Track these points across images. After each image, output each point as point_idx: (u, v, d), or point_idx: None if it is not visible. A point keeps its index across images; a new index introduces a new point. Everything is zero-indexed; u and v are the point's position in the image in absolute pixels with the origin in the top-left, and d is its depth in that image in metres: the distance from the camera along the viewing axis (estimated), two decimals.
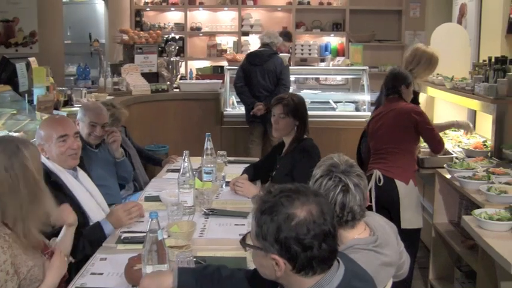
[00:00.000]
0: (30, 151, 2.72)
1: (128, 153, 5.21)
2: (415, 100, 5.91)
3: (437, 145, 5.01)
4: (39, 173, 2.73)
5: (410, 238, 4.03)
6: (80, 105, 5.14)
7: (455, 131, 6.22)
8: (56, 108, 5.64)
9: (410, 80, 5.19)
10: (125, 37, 8.29)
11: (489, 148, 5.29)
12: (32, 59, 5.89)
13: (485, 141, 5.62)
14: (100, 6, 10.17)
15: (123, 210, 3.54)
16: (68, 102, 6.16)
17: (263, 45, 7.58)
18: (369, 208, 2.90)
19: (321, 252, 1.94)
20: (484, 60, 5.67)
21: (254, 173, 4.61)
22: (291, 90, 8.25)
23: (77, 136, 3.79)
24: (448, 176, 4.68)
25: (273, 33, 7.77)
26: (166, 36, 10.57)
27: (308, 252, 1.93)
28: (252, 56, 7.57)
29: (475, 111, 6.37)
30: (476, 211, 3.52)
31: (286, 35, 9.38)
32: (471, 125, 5.78)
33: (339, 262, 2.08)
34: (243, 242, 2.15)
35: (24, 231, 2.61)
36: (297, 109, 4.29)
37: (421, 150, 5.54)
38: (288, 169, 4.28)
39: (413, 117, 4.89)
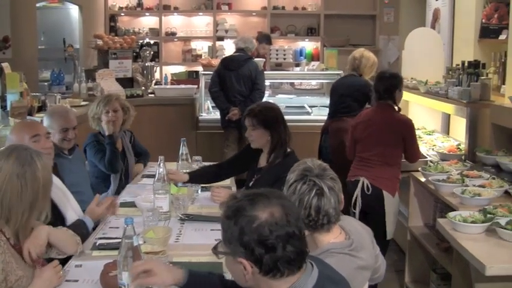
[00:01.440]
0: (43, 162, 2.77)
1: (126, 160, 5.17)
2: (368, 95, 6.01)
3: (416, 156, 4.93)
4: (44, 184, 2.77)
5: (385, 247, 4.05)
6: (45, 113, 5.07)
7: (430, 133, 6.30)
8: (30, 114, 5.60)
9: (402, 83, 5.05)
10: (99, 42, 8.25)
11: (463, 151, 5.34)
12: (5, 65, 5.83)
13: (459, 144, 5.68)
14: (74, 11, 10.11)
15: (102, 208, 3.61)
16: (42, 108, 6.10)
17: (238, 50, 7.58)
18: (348, 213, 2.90)
19: (286, 254, 1.95)
20: (458, 65, 5.72)
21: (216, 173, 4.60)
22: (266, 95, 8.27)
23: (48, 136, 3.79)
24: (423, 180, 4.72)
25: (248, 38, 7.78)
26: (141, 41, 10.55)
27: (272, 253, 1.94)
28: (227, 61, 7.56)
29: (449, 114, 6.43)
30: (451, 214, 3.55)
31: (266, 38, 9.40)
32: None
33: (312, 266, 2.09)
34: (214, 250, 2.15)
35: (25, 238, 2.69)
36: (266, 119, 4.18)
37: None
38: (270, 183, 4.13)
39: (405, 130, 4.83)
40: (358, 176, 4.85)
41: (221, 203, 3.87)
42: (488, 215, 3.43)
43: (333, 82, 6.88)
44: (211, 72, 7.89)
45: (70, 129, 4.42)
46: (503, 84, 5.53)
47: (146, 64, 8.56)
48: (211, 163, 4.79)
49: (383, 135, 4.83)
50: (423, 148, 5.85)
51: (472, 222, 3.39)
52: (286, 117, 4.35)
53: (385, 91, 4.89)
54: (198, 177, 4.49)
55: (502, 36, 5.75)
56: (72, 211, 3.66)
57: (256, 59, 7.82)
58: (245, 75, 7.41)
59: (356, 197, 4.75)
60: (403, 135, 4.81)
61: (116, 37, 8.88)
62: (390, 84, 4.90)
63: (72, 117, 4.49)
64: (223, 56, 7.57)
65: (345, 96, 6.29)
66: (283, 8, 10.97)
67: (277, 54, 10.83)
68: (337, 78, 7.96)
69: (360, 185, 4.78)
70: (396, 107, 4.95)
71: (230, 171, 4.69)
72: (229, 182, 4.76)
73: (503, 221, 3.31)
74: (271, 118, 4.19)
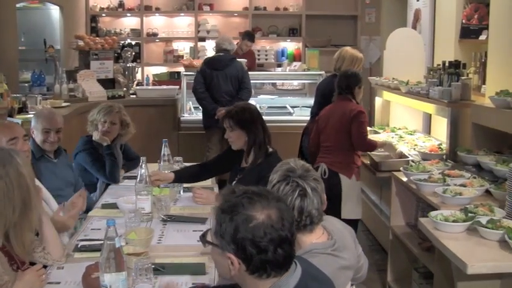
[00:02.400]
0: (22, 158, 2.75)
1: None
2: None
3: (360, 143, 5.32)
4: (31, 178, 2.76)
5: (354, 229, 4.09)
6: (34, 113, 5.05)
7: (411, 133, 6.33)
8: (10, 116, 5.55)
9: (362, 82, 5.52)
10: (81, 43, 8.22)
11: (444, 151, 5.37)
12: None
13: (441, 144, 5.71)
14: (55, 12, 10.05)
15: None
16: (22, 109, 6.06)
17: (222, 50, 7.54)
18: None
19: (276, 257, 1.96)
20: (438, 65, 5.75)
21: (200, 173, 4.60)
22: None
23: (25, 139, 3.76)
24: (405, 179, 4.73)
25: (229, 38, 7.78)
26: (122, 42, 10.52)
27: (263, 255, 1.95)
28: (213, 61, 7.51)
29: (430, 114, 6.46)
30: (433, 213, 3.57)
31: (248, 35, 9.41)
32: (393, 146, 5.83)
33: (296, 264, 2.10)
34: (202, 238, 2.16)
35: (17, 237, 2.65)
36: (242, 120, 4.22)
37: (377, 154, 5.62)
38: (254, 182, 4.14)
39: (353, 116, 5.25)
40: (319, 163, 5.34)
41: (217, 194, 3.94)
42: (470, 214, 3.45)
43: (317, 83, 6.89)
44: (193, 73, 7.87)
45: (52, 131, 4.38)
46: (484, 84, 5.56)
47: (128, 65, 8.54)
48: (193, 163, 4.78)
49: (339, 123, 5.32)
50: (405, 148, 5.88)
51: (454, 221, 3.41)
52: (268, 117, 4.38)
53: (347, 87, 5.41)
54: (183, 177, 4.49)
55: (482, 37, 5.79)
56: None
57: (239, 59, 7.83)
58: (232, 75, 7.42)
59: None
60: (351, 120, 5.25)
61: (97, 38, 8.85)
62: (351, 81, 5.42)
63: (56, 120, 4.45)
64: (206, 57, 7.53)
65: (326, 97, 6.32)
66: (264, 8, 10.98)
67: (259, 55, 10.84)
68: (318, 79, 8.02)
69: (319, 170, 5.15)
70: (355, 101, 5.43)
71: (214, 171, 4.71)
72: (210, 182, 4.75)
73: (484, 220, 3.33)
74: (247, 119, 4.23)
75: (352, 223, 4.96)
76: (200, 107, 7.70)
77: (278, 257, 1.97)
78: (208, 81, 7.38)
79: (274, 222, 1.97)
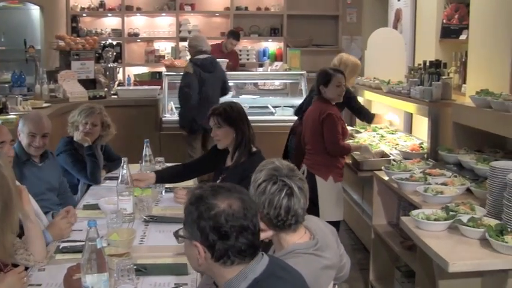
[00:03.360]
0: (3, 160, 2.74)
1: None
2: (350, 104, 6.05)
3: (332, 148, 5.26)
4: (13, 180, 2.74)
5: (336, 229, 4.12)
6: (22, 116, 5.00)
7: (393, 132, 6.35)
8: None
9: (329, 77, 5.31)
10: (61, 43, 8.18)
11: (425, 150, 5.40)
12: None
13: (422, 143, 5.74)
14: (35, 12, 9.96)
15: (66, 222, 3.51)
16: (2, 110, 6.02)
17: (202, 52, 7.47)
18: None
19: (237, 244, 2.07)
20: (419, 64, 5.78)
21: (183, 173, 4.58)
22: (229, 96, 8.26)
23: (12, 144, 3.73)
24: (386, 178, 4.75)
25: (204, 38, 7.74)
26: (103, 42, 10.46)
27: (224, 241, 2.06)
28: (205, 64, 7.42)
29: (411, 114, 6.49)
30: (414, 212, 3.58)
31: (234, 34, 9.40)
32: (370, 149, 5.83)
33: (262, 254, 2.18)
34: (175, 233, 2.25)
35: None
36: (230, 117, 4.23)
37: (359, 154, 5.63)
38: (237, 181, 4.13)
39: (324, 122, 5.22)
40: (303, 163, 5.40)
41: (189, 191, 3.95)
42: (451, 213, 3.47)
43: (299, 82, 6.84)
44: (174, 73, 7.86)
45: (38, 135, 4.30)
46: (464, 83, 5.60)
47: (109, 65, 8.51)
48: (176, 164, 4.77)
49: (313, 126, 5.32)
50: (386, 147, 5.90)
51: (435, 220, 3.43)
52: (250, 117, 4.38)
53: (316, 87, 5.39)
54: (165, 177, 4.48)
55: (463, 36, 5.82)
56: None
57: (218, 60, 7.83)
58: (220, 77, 7.47)
59: None
60: (322, 124, 5.22)
61: (78, 38, 8.81)
62: (317, 81, 5.39)
63: (43, 124, 4.37)
64: (197, 58, 7.37)
65: None
66: (246, 8, 10.97)
67: (240, 55, 10.83)
68: (300, 79, 8.03)
69: (301, 171, 4.95)
70: (328, 102, 5.33)
71: (198, 171, 4.70)
72: (192, 182, 4.75)
73: (465, 218, 3.35)
74: (235, 116, 4.25)
75: (333, 225, 5.02)
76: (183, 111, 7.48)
77: (240, 244, 2.07)
78: (201, 85, 7.30)
79: (235, 211, 2.07)
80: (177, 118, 7.84)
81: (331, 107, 5.31)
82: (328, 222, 4.80)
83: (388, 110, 6.82)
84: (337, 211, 5.36)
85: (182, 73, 7.45)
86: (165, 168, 4.68)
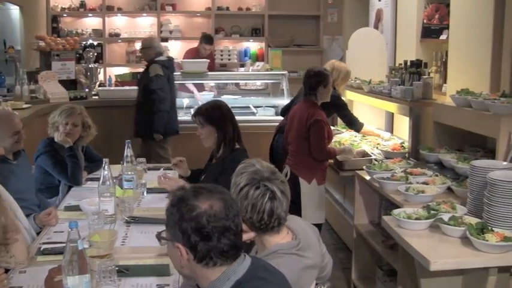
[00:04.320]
0: None
1: None
2: (336, 105, 6.05)
3: (316, 153, 5.24)
4: None
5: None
6: None
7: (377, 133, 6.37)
8: None
9: (328, 79, 5.32)
10: (42, 44, 8.13)
11: (406, 149, 5.43)
12: None
13: (403, 142, 5.77)
14: (15, 12, 9.89)
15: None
16: None
17: (161, 54, 7.38)
18: None
19: (219, 245, 2.06)
20: (400, 64, 5.81)
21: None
22: (211, 96, 8.28)
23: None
24: (368, 178, 4.77)
25: (158, 40, 7.71)
26: (84, 42, 10.41)
27: (207, 242, 2.06)
28: (171, 65, 7.36)
29: (393, 113, 6.51)
30: (396, 211, 3.60)
31: (207, 38, 9.34)
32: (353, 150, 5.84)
33: (245, 255, 2.17)
34: (158, 235, 2.25)
35: None
36: (211, 116, 4.27)
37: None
38: (217, 175, 4.19)
39: (311, 127, 5.19)
40: (286, 164, 5.38)
41: (169, 193, 3.89)
42: (432, 212, 3.49)
43: (280, 82, 6.80)
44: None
45: (20, 130, 4.31)
46: (445, 83, 5.64)
47: (90, 65, 8.47)
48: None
49: (299, 128, 5.28)
50: (367, 147, 5.92)
51: (416, 218, 3.44)
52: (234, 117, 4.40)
53: (310, 88, 5.28)
54: (196, 177, 4.59)
55: (443, 36, 5.85)
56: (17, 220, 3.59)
57: (196, 60, 7.82)
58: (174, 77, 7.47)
59: None
60: (309, 129, 5.19)
61: (59, 38, 8.77)
62: (314, 81, 5.25)
63: (16, 121, 4.36)
64: (163, 60, 7.29)
65: None
66: (227, 8, 10.96)
67: (221, 55, 10.83)
68: (281, 79, 8.02)
69: (283, 172, 5.21)
70: (318, 103, 5.30)
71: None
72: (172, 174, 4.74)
73: (446, 217, 3.37)
74: (217, 116, 4.30)
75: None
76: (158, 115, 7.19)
77: (222, 245, 2.07)
78: (170, 86, 7.25)
79: (217, 212, 2.07)
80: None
81: (319, 111, 5.27)
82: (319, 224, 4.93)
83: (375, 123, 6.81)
84: (320, 214, 5.35)
85: (151, 76, 7.12)
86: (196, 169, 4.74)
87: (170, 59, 7.42)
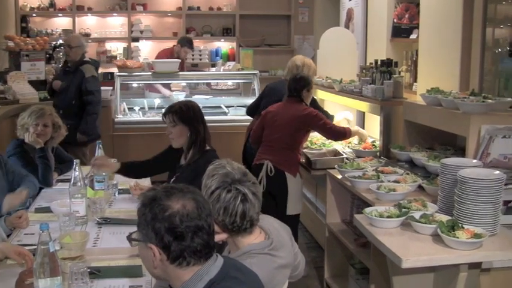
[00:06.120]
0: None
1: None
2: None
3: (335, 135, 5.53)
4: None
5: (291, 222, 4.17)
6: None
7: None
8: None
9: (312, 85, 5.59)
10: (11, 44, 8.05)
11: (378, 148, 5.46)
12: None
13: (374, 141, 5.80)
14: None
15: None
16: None
17: (86, 53, 7.20)
18: None
19: (193, 244, 2.07)
20: (371, 63, 5.84)
21: (141, 169, 4.61)
22: (183, 96, 8.25)
23: None
24: (339, 177, 4.78)
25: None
26: (54, 42, 10.29)
27: (180, 242, 2.06)
28: (98, 65, 7.32)
29: (364, 112, 6.55)
30: (367, 209, 3.61)
31: (190, 43, 9.23)
32: (365, 134, 5.96)
33: (217, 255, 2.18)
34: (129, 237, 2.23)
35: None
36: (185, 116, 4.23)
37: (312, 152, 5.67)
38: (191, 179, 4.13)
39: (310, 121, 5.36)
40: (263, 159, 5.39)
41: (140, 194, 3.93)
42: (403, 210, 3.51)
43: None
44: (127, 74, 7.80)
45: None
46: (415, 82, 5.69)
47: (60, 66, 8.38)
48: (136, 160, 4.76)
49: (288, 123, 5.35)
50: (338, 146, 5.94)
51: (388, 217, 3.46)
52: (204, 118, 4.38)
53: (295, 90, 5.43)
54: (128, 169, 4.53)
55: (413, 36, 5.90)
56: None
57: (167, 60, 7.78)
58: None
59: (261, 179, 5.22)
60: (310, 126, 5.43)
61: (28, 38, 8.69)
62: (300, 85, 5.45)
63: None
64: (95, 60, 7.07)
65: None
66: (198, 8, 10.94)
67: (193, 55, 10.79)
68: (252, 78, 8.02)
69: (264, 167, 5.28)
70: (304, 103, 5.46)
71: (153, 170, 4.66)
72: (146, 183, 4.70)
73: (417, 215, 3.40)
74: (191, 115, 4.27)
75: (294, 218, 5.34)
76: (97, 116, 6.98)
77: (195, 244, 2.07)
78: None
79: (190, 211, 2.08)
80: (131, 119, 7.77)
81: (307, 107, 5.49)
82: (290, 215, 5.14)
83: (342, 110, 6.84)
84: (299, 205, 5.48)
85: (87, 77, 6.86)
86: (129, 161, 4.65)
87: (96, 60, 7.32)
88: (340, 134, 5.54)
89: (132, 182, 4.47)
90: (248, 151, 6.36)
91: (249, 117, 6.69)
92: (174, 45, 9.22)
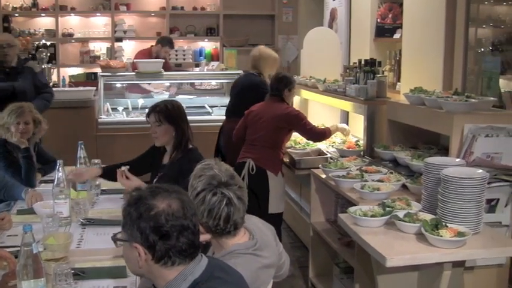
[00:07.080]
0: None
1: None
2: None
3: (314, 136, 5.54)
4: None
5: (274, 221, 4.15)
6: None
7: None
8: None
9: (294, 85, 5.56)
10: None
11: (361, 147, 5.47)
12: None
13: (358, 141, 5.80)
14: None
15: None
16: None
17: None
18: None
19: (178, 244, 2.08)
20: (355, 63, 5.85)
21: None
22: (167, 96, 8.22)
23: None
24: (324, 176, 4.79)
25: None
26: (36, 42, 10.28)
27: (165, 241, 2.07)
28: None
29: (348, 112, 6.55)
30: (351, 209, 3.62)
31: (171, 43, 9.20)
32: (347, 128, 5.99)
33: (202, 256, 2.19)
34: (114, 237, 2.23)
35: None
36: (171, 115, 4.22)
37: (296, 151, 5.68)
38: (175, 177, 4.13)
39: (291, 121, 5.37)
40: (245, 158, 5.40)
41: (126, 193, 3.98)
42: (387, 209, 3.52)
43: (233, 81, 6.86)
44: (110, 74, 7.77)
45: None
46: (399, 81, 5.70)
47: (43, 66, 8.34)
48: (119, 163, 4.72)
49: (270, 122, 5.36)
50: (322, 145, 5.95)
51: (372, 216, 3.47)
52: (187, 117, 4.37)
53: (277, 89, 5.45)
54: (109, 173, 4.44)
55: (397, 35, 5.91)
56: None
57: (151, 60, 7.75)
58: None
59: (243, 177, 5.22)
60: (291, 125, 5.42)
61: None
62: (281, 84, 5.47)
63: None
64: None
65: (240, 96, 6.39)
66: (182, 8, 10.92)
67: (176, 55, 10.79)
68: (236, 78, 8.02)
69: (246, 166, 5.28)
70: (285, 103, 5.49)
71: (137, 171, 4.61)
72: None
73: (401, 214, 3.41)
74: (176, 114, 4.27)
75: (277, 216, 5.34)
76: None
77: (181, 244, 2.08)
78: None
79: (175, 211, 2.09)
80: (114, 119, 7.74)
81: (289, 107, 5.56)
82: (272, 214, 5.13)
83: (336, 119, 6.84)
84: (281, 203, 5.47)
85: (38, 71, 6.86)
86: (111, 165, 4.61)
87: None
88: (320, 135, 5.56)
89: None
90: (221, 150, 6.43)
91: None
92: (152, 46, 9.18)
